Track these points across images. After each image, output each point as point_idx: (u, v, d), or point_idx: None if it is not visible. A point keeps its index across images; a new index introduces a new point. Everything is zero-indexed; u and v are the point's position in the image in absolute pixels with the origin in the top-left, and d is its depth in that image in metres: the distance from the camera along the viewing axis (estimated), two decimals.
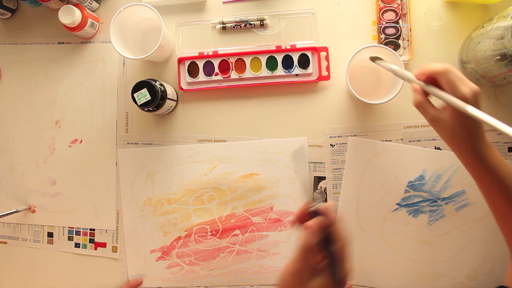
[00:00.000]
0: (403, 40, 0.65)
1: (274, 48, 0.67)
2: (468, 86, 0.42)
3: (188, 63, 0.68)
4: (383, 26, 0.65)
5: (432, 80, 0.45)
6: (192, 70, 0.68)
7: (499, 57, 0.53)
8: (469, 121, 0.43)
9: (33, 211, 0.72)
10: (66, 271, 0.72)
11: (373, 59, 0.57)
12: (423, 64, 0.46)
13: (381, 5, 0.65)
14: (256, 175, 0.67)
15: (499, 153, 0.46)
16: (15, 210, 0.70)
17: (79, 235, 0.71)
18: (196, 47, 0.69)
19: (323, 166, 0.67)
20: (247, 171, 0.67)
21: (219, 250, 0.68)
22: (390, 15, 0.65)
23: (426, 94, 0.46)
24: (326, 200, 0.66)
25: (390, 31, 0.65)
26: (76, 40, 0.72)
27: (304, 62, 0.66)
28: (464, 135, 0.44)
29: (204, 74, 0.67)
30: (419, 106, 0.47)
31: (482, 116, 0.39)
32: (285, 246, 0.67)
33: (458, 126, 0.44)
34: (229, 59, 0.67)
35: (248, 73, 0.67)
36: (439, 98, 0.44)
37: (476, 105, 0.41)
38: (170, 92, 0.65)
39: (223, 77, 0.67)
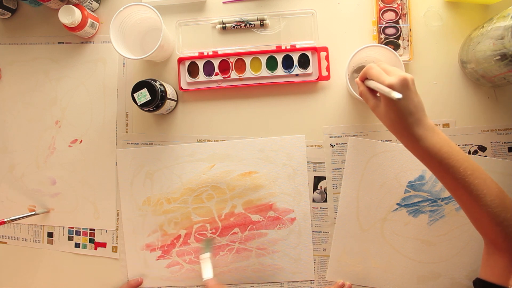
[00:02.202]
0: (403, 40, 0.65)
1: (274, 48, 0.67)
2: (394, 74, 0.46)
3: (188, 63, 0.68)
4: (383, 26, 0.65)
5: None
6: (192, 70, 0.68)
7: (499, 57, 0.53)
8: (399, 106, 0.46)
9: (32, 211, 0.72)
10: (66, 271, 0.72)
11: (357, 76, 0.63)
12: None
13: (381, 5, 0.65)
14: (254, 173, 0.67)
15: (443, 135, 0.48)
16: (34, 212, 0.70)
17: (79, 235, 0.71)
18: (196, 47, 0.69)
19: (323, 166, 0.67)
20: (245, 169, 0.67)
21: (218, 248, 0.68)
22: (390, 15, 0.65)
23: (371, 89, 0.52)
24: (326, 200, 0.66)
25: (390, 31, 0.65)
26: (76, 40, 0.72)
27: (304, 62, 0.66)
28: (399, 120, 0.47)
29: (204, 74, 0.67)
30: (362, 95, 0.53)
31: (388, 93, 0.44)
32: (285, 244, 0.67)
33: (391, 111, 0.47)
34: (229, 59, 0.67)
35: (248, 73, 0.67)
36: (372, 87, 0.50)
37: (403, 89, 0.45)
38: (170, 92, 0.65)
39: (223, 77, 0.67)
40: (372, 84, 0.49)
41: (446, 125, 0.65)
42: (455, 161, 0.46)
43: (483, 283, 0.49)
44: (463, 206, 0.50)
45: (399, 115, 0.46)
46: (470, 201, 0.47)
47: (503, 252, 0.48)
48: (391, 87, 0.45)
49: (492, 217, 0.46)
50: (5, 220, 0.65)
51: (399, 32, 0.65)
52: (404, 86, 0.46)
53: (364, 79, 0.53)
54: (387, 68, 0.49)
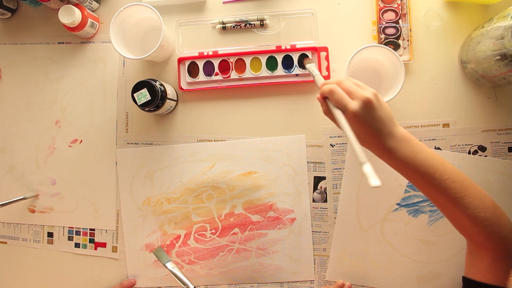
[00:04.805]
0: (403, 40, 0.65)
1: (274, 48, 0.67)
2: (357, 96, 0.45)
3: (188, 63, 0.68)
4: (383, 26, 0.65)
5: None
6: (192, 70, 0.68)
7: (499, 57, 0.53)
8: (368, 126, 0.46)
9: (33, 211, 0.72)
10: (66, 271, 0.72)
11: (306, 62, 0.61)
12: (329, 80, 0.52)
13: (381, 5, 0.65)
14: (254, 173, 0.67)
15: (417, 142, 0.48)
16: (22, 197, 0.69)
17: (79, 235, 0.71)
18: (196, 47, 0.69)
19: (323, 166, 0.67)
20: (245, 169, 0.67)
21: (218, 248, 0.68)
22: (390, 15, 0.65)
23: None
24: (326, 200, 0.66)
25: (390, 31, 0.65)
26: (76, 40, 0.72)
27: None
28: (368, 138, 0.47)
29: (204, 74, 0.67)
30: (326, 114, 0.51)
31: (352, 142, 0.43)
32: (285, 244, 0.67)
33: (360, 131, 0.46)
34: (229, 59, 0.67)
35: (248, 73, 0.67)
36: (334, 116, 0.48)
37: (367, 111, 0.45)
38: (170, 92, 0.65)
39: (223, 77, 0.67)
40: (333, 111, 0.48)
41: (446, 125, 0.65)
42: (429, 167, 0.46)
43: (468, 281, 0.51)
44: (443, 210, 0.51)
45: (369, 134, 0.46)
46: (449, 204, 0.48)
47: (485, 251, 0.49)
48: (355, 114, 0.45)
49: (472, 218, 0.47)
50: None
51: (399, 32, 0.65)
52: (368, 108, 0.45)
53: (325, 97, 0.50)
54: (350, 88, 0.47)
